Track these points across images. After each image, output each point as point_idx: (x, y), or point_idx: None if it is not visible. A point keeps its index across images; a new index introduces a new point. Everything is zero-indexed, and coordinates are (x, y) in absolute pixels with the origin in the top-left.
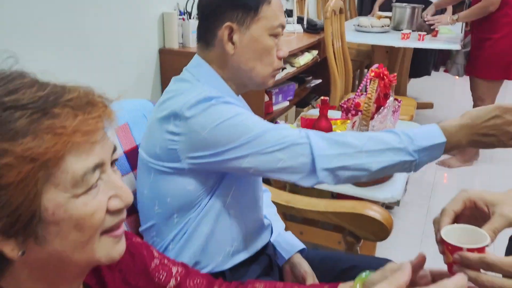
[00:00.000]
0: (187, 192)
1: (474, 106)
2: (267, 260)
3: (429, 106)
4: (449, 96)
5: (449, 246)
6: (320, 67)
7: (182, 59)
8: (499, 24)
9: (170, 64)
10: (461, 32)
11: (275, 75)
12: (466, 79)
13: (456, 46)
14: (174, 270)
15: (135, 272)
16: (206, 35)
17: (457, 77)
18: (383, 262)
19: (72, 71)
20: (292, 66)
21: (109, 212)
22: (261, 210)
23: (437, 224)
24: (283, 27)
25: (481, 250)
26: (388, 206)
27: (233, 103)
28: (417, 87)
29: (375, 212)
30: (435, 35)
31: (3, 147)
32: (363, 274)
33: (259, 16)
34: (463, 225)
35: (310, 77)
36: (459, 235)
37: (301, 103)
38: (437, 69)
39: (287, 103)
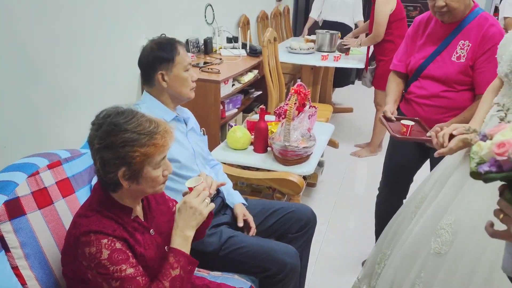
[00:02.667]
0: None
1: (376, 110)
2: (220, 200)
3: (349, 110)
4: (367, 102)
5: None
6: (260, 82)
7: None
8: (388, 50)
9: None
10: (369, 54)
11: (194, 90)
12: None
13: (361, 65)
14: (174, 203)
15: (161, 199)
16: (148, 80)
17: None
18: (298, 205)
19: (64, 91)
20: (239, 82)
21: (163, 176)
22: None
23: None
24: (190, 63)
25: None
26: (311, 184)
27: None
28: (342, 94)
29: (293, 178)
30: (348, 54)
31: (137, 149)
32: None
33: (175, 63)
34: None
35: (253, 90)
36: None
37: (246, 110)
38: (359, 79)
39: (236, 110)
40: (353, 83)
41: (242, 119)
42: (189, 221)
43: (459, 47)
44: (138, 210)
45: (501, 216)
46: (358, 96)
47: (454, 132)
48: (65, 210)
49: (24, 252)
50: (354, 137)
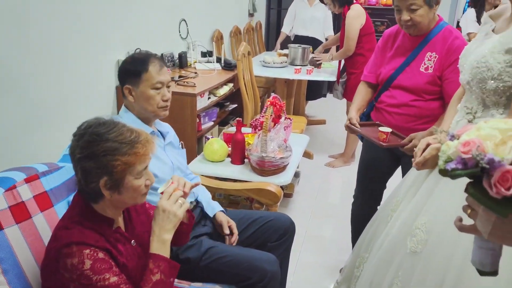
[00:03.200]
0: None
1: None
2: (199, 211)
3: (322, 122)
4: (339, 114)
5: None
6: (235, 95)
7: None
8: (358, 63)
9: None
10: (340, 67)
11: (165, 109)
12: None
13: (333, 78)
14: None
15: (141, 209)
16: (122, 92)
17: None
18: (278, 215)
19: (41, 104)
20: (215, 96)
21: (145, 186)
22: None
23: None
24: (162, 83)
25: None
26: (288, 195)
27: None
28: (315, 107)
29: (271, 187)
30: (320, 68)
31: (118, 158)
32: None
33: (142, 79)
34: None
35: (228, 103)
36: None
37: (222, 122)
38: (331, 92)
39: (212, 123)
40: (325, 96)
41: (218, 132)
42: (164, 225)
43: (427, 59)
44: (120, 221)
45: (469, 211)
46: (330, 108)
47: (430, 141)
48: (44, 224)
49: (1, 267)
50: (328, 148)
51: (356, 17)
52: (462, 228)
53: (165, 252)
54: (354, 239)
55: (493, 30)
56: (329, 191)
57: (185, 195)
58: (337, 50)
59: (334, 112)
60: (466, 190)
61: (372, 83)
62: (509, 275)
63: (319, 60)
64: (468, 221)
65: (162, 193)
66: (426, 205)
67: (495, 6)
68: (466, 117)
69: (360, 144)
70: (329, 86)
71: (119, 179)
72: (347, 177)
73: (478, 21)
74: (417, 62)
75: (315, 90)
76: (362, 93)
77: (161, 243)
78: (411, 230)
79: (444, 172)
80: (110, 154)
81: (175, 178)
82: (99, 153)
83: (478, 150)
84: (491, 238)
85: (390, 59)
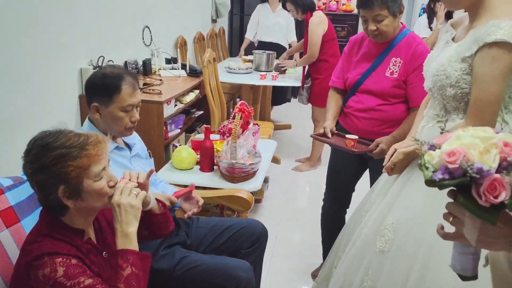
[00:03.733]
0: None
1: (314, 126)
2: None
3: (288, 127)
4: (304, 119)
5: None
6: (201, 101)
7: None
8: (322, 69)
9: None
10: (305, 73)
11: (132, 129)
12: None
13: (298, 83)
14: None
15: (111, 218)
16: (88, 106)
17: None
18: (250, 221)
19: (4, 117)
20: (181, 103)
21: (109, 187)
22: None
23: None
24: (132, 105)
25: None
26: (257, 200)
27: None
28: (280, 112)
29: (242, 194)
30: (285, 74)
31: (70, 163)
32: None
33: (112, 101)
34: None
35: (194, 110)
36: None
37: (188, 130)
38: (295, 97)
39: (178, 131)
40: (289, 101)
41: (185, 139)
42: (123, 219)
43: (392, 64)
44: (90, 232)
45: (451, 219)
46: (295, 113)
47: (396, 147)
48: (10, 241)
49: None
50: (294, 152)
51: (319, 23)
52: (446, 236)
53: (131, 245)
54: (325, 241)
55: (453, 39)
56: (297, 195)
57: (141, 186)
58: (300, 56)
59: (299, 116)
60: (454, 199)
61: (340, 88)
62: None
63: (283, 67)
64: (449, 228)
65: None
66: (393, 207)
67: (447, 13)
68: (428, 125)
69: (326, 148)
70: (293, 91)
71: (76, 184)
72: (314, 181)
73: (430, 27)
74: (383, 67)
75: (280, 95)
76: (334, 100)
77: (125, 237)
78: (380, 230)
79: (431, 183)
80: (60, 162)
81: (125, 173)
82: (48, 163)
83: (465, 160)
84: (478, 245)
85: (356, 65)
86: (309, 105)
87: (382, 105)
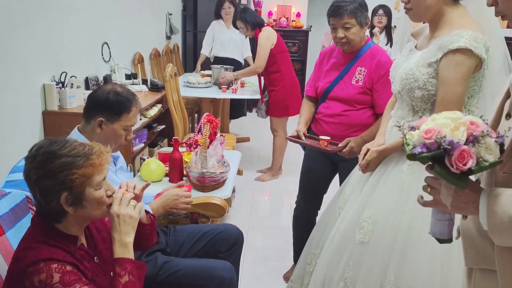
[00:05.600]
0: None
1: (273, 136)
2: None
3: (247, 139)
4: (261, 131)
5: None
6: (163, 116)
7: (61, 117)
8: (277, 80)
9: (52, 122)
10: (261, 86)
11: (120, 147)
12: None
13: (258, 96)
14: None
15: (101, 225)
16: (86, 117)
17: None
18: (226, 226)
19: None
20: (145, 117)
21: (107, 197)
22: None
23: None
24: (132, 125)
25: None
26: None
27: None
28: (237, 125)
29: (216, 200)
30: (243, 86)
31: (75, 171)
32: None
33: (120, 119)
34: None
35: (156, 124)
36: None
37: (151, 144)
38: (251, 111)
39: (142, 145)
40: (245, 114)
41: (149, 154)
42: (122, 229)
43: (357, 73)
44: (82, 239)
45: (429, 189)
46: (252, 126)
47: (369, 146)
48: None
49: None
50: (255, 163)
51: (267, 37)
52: (425, 204)
53: (129, 254)
54: (296, 244)
55: (415, 46)
56: (261, 203)
57: (137, 197)
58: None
59: (255, 129)
60: (431, 170)
61: (313, 96)
62: (444, 254)
63: (226, 80)
64: (427, 198)
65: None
66: (370, 200)
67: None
68: (401, 121)
69: (286, 157)
70: (248, 105)
71: (79, 192)
72: (276, 190)
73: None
74: (349, 75)
75: (237, 109)
76: (306, 107)
77: (123, 247)
78: (359, 223)
79: (412, 157)
80: (66, 169)
81: (123, 184)
82: (55, 170)
83: (439, 135)
84: (452, 210)
85: (326, 74)
86: (267, 118)
87: (348, 110)
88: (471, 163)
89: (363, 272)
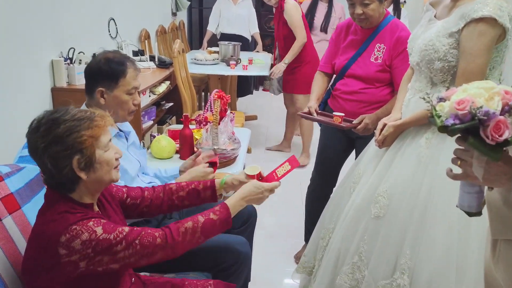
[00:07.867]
0: None
1: (293, 116)
2: None
3: (254, 118)
4: (268, 109)
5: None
6: (171, 93)
7: (70, 94)
8: (301, 56)
9: (61, 98)
10: (275, 60)
11: (132, 113)
12: (279, 96)
13: (266, 72)
14: (124, 189)
15: (110, 197)
16: (89, 92)
17: (272, 94)
18: None
19: None
20: (154, 94)
21: (116, 159)
22: None
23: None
24: (136, 88)
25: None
26: None
27: None
28: (244, 103)
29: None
30: (251, 63)
31: (83, 133)
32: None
33: (118, 85)
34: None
35: (164, 102)
36: None
37: (160, 121)
38: (257, 89)
39: (151, 122)
40: (252, 92)
41: (157, 131)
42: (250, 197)
43: (376, 49)
44: (96, 209)
45: (459, 162)
46: (258, 104)
47: (385, 121)
48: (13, 227)
49: None
50: (263, 141)
51: (296, 6)
52: (455, 177)
53: (233, 210)
54: (308, 220)
55: (435, 16)
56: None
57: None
58: (269, 50)
59: (262, 107)
60: (463, 142)
61: (328, 73)
62: (461, 229)
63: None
64: (456, 170)
65: (249, 175)
66: (386, 175)
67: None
68: (419, 94)
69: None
70: (254, 84)
71: (90, 154)
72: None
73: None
74: (368, 53)
75: (244, 87)
76: (319, 83)
77: (238, 204)
78: (374, 198)
79: (443, 129)
80: (74, 132)
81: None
82: (62, 134)
83: (473, 105)
84: (484, 182)
85: (344, 50)
86: (272, 96)
87: (367, 88)
88: (507, 134)
89: (378, 246)
